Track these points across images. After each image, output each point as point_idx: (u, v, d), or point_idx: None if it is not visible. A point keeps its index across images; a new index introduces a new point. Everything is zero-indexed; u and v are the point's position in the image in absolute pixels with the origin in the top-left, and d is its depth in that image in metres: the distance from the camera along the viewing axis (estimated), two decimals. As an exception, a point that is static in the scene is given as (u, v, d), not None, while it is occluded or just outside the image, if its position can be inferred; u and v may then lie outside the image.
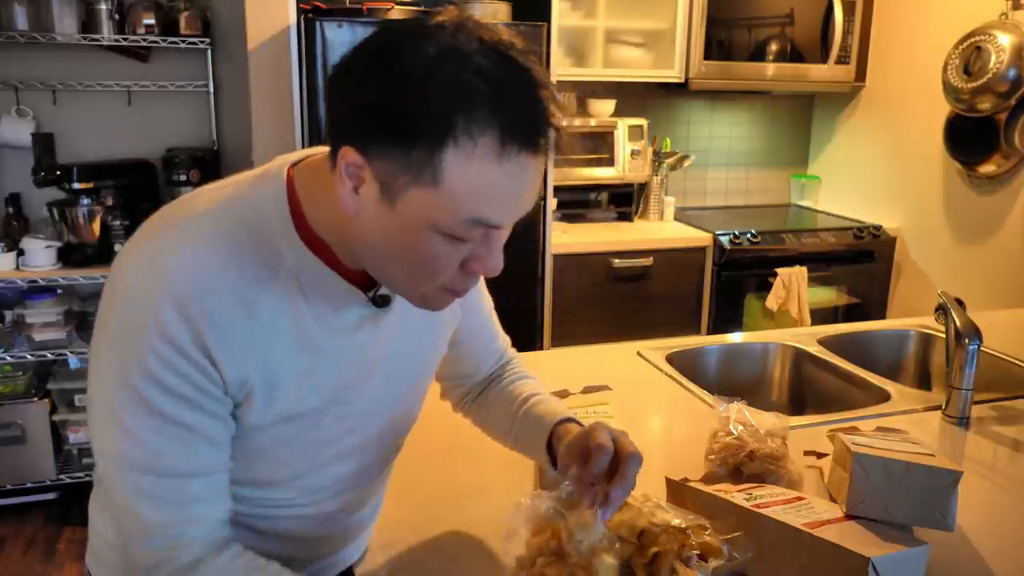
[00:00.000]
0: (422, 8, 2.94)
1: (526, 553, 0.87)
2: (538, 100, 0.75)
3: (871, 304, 3.53)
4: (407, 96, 0.72)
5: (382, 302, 0.89)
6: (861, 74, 3.63)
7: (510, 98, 0.73)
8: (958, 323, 1.50)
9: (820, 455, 1.30)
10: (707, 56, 3.34)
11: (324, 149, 0.86)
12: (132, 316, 0.77)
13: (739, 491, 1.07)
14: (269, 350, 0.82)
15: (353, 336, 0.88)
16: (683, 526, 0.89)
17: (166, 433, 0.79)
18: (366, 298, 0.88)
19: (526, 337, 2.97)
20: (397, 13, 2.74)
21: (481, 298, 1.12)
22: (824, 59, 3.49)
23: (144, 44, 2.96)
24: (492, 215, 0.76)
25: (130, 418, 0.78)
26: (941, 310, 1.56)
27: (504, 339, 1.19)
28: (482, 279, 1.07)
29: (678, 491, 1.10)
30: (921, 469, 1.01)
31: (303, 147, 2.77)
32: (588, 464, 0.88)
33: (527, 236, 2.93)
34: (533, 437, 1.05)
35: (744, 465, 1.18)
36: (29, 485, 2.92)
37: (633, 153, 3.43)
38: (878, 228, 3.48)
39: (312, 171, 0.84)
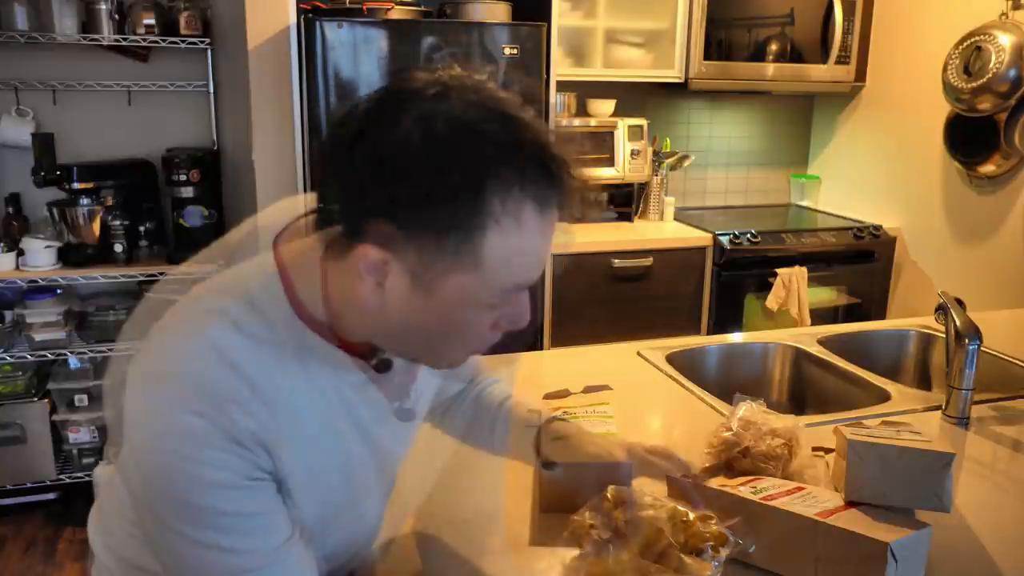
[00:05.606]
0: (421, 8, 2.93)
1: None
2: (559, 160, 0.72)
3: (871, 304, 3.53)
4: (429, 179, 0.67)
5: (384, 366, 0.86)
6: (861, 74, 3.63)
7: (535, 163, 0.70)
8: (958, 323, 1.49)
9: (828, 451, 1.31)
10: (707, 56, 3.34)
11: (298, 209, 0.84)
12: (169, 444, 0.72)
13: (742, 484, 1.07)
14: (307, 444, 0.79)
15: (365, 393, 0.86)
16: (688, 517, 0.89)
17: (242, 529, 0.75)
18: (368, 366, 0.84)
19: (527, 337, 2.96)
20: (397, 13, 2.74)
21: None
22: (824, 59, 3.49)
23: (144, 44, 2.96)
24: (531, 277, 0.76)
25: (201, 534, 0.73)
26: (941, 310, 1.56)
27: (478, 361, 1.16)
28: None
29: (679, 488, 1.10)
30: (914, 453, 1.03)
31: (303, 147, 2.79)
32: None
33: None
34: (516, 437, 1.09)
35: (736, 461, 1.18)
36: (29, 485, 2.92)
37: (633, 153, 3.43)
38: (878, 228, 3.48)
39: (301, 255, 0.79)
